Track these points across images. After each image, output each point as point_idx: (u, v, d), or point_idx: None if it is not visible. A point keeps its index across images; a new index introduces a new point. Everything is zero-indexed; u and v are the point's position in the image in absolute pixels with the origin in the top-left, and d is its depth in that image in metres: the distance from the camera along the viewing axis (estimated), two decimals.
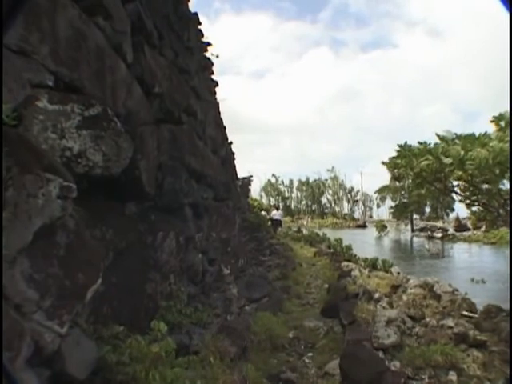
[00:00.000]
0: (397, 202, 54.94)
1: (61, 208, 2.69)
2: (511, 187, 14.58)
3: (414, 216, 58.86)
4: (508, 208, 15.24)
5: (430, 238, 43.01)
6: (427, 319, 7.93)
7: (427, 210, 66.84)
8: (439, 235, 44.48)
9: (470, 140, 16.42)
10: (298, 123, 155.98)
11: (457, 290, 9.88)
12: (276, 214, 28.99)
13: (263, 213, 29.81)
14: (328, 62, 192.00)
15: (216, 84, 14.28)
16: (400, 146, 19.39)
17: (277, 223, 28.13)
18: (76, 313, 2.79)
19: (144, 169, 4.98)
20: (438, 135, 18.08)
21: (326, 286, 11.45)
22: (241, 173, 26.32)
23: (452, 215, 58.48)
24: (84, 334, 3.11)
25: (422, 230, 52.19)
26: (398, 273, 13.37)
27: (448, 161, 16.50)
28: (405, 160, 18.64)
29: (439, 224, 55.99)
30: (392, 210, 62.20)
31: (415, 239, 44.83)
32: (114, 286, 4.09)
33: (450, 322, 7.63)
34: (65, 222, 2.86)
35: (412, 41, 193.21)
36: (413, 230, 53.74)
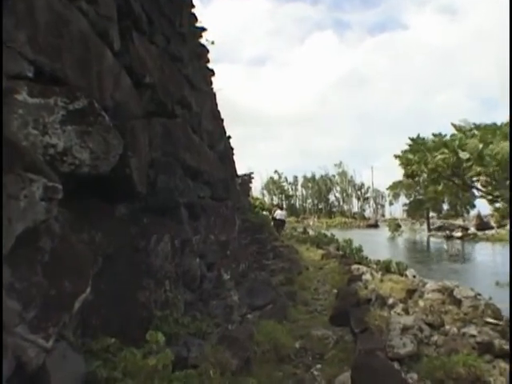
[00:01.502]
0: (411, 199, 55.16)
1: (45, 210, 2.69)
2: (511, 187, 14.54)
3: (431, 214, 58.83)
4: None
5: (449, 237, 43.00)
6: (447, 327, 7.92)
7: (445, 207, 66.78)
8: (459, 234, 44.43)
9: (490, 130, 16.27)
10: (300, 114, 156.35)
11: (479, 295, 9.83)
12: (279, 214, 29.04)
13: (265, 213, 29.79)
14: (332, 46, 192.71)
15: (212, 73, 14.27)
16: (412, 140, 19.29)
17: (280, 224, 28.21)
18: (62, 325, 2.78)
19: (135, 167, 4.96)
20: (453, 125, 18.05)
21: (335, 291, 11.46)
22: (241, 169, 26.29)
23: (473, 212, 58.42)
24: (71, 347, 3.10)
25: (439, 229, 52.18)
26: (414, 276, 13.34)
27: (465, 155, 16.39)
28: (418, 155, 18.55)
29: (458, 222, 55.94)
30: (406, 208, 62.45)
31: (432, 239, 44.74)
32: (104, 295, 4.09)
33: (472, 329, 7.59)
34: (49, 225, 2.86)
35: (422, 21, 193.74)
36: (429, 230, 53.67)
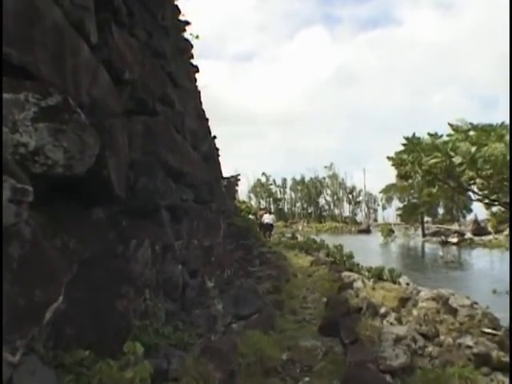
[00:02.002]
0: (405, 203, 55.31)
1: (14, 214, 2.64)
2: (511, 186, 14.61)
3: (426, 218, 59.14)
4: None
5: (444, 243, 43.26)
6: (442, 337, 7.94)
7: (440, 211, 67.22)
8: (454, 240, 44.72)
9: (484, 132, 16.35)
10: (288, 112, 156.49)
11: (476, 303, 9.86)
12: (267, 218, 29.27)
13: (251, 217, 29.87)
14: (322, 43, 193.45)
15: (196, 69, 14.23)
16: (407, 139, 19.34)
17: (268, 228, 28.42)
18: (32, 337, 2.73)
19: (113, 167, 4.91)
20: (450, 125, 18.12)
21: (325, 299, 11.46)
22: (226, 171, 26.30)
23: (469, 217, 58.88)
24: (41, 361, 3.05)
25: (434, 234, 52.47)
26: (408, 284, 13.38)
27: (458, 160, 16.46)
28: (412, 156, 18.59)
29: (454, 227, 56.32)
30: (400, 212, 62.64)
31: (427, 245, 45.04)
32: (79, 304, 4.03)
33: (468, 340, 7.61)
34: (19, 230, 2.80)
35: (417, 17, 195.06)
36: (424, 235, 53.95)
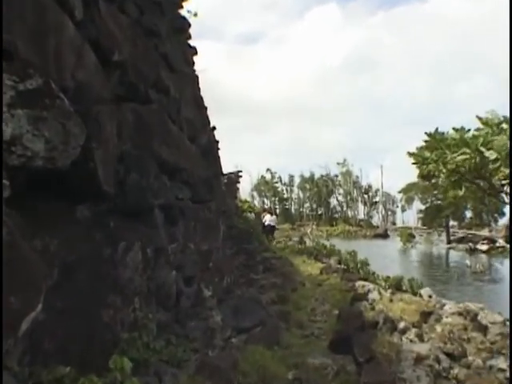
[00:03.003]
0: (427, 205, 55.25)
1: None
2: (511, 187, 14.55)
3: (451, 222, 58.94)
4: None
5: (472, 251, 43.06)
6: (470, 358, 7.88)
7: (468, 214, 66.97)
8: (484, 248, 44.47)
9: None
10: (297, 102, 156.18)
11: (509, 321, 9.79)
12: (269, 220, 29.54)
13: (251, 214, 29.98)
14: (335, 23, 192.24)
15: (194, 51, 14.19)
16: (429, 135, 19.22)
17: (270, 230, 28.69)
18: (5, 351, 2.72)
19: (100, 160, 4.90)
20: (479, 118, 18.00)
21: (336, 312, 11.42)
22: (227, 167, 26.27)
23: (502, 221, 58.43)
24: (15, 379, 3.03)
25: (460, 240, 52.26)
26: (430, 296, 13.34)
27: (492, 155, 16.32)
28: (436, 153, 18.47)
29: (484, 233, 55.91)
30: (421, 215, 62.59)
31: (452, 253, 44.85)
32: (60, 314, 4.02)
33: (500, 362, 7.54)
34: None
35: None
36: (449, 241, 53.76)
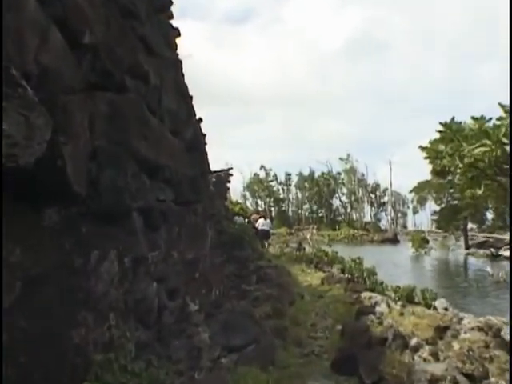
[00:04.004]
0: (442, 205, 55.35)
1: None
2: (511, 187, 14.59)
3: (470, 225, 59.01)
4: None
5: (494, 257, 43.14)
6: (492, 379, 7.88)
7: (489, 216, 67.10)
8: (507, 253, 44.43)
9: None
10: (292, 90, 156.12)
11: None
12: (262, 224, 29.73)
13: (236, 218, 30.02)
14: (335, 1, 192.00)
15: (177, 33, 14.15)
16: (444, 125, 19.22)
17: (264, 235, 28.88)
18: None
19: (70, 157, 4.88)
20: (501, 105, 18.02)
21: (339, 327, 11.44)
22: (215, 164, 26.30)
23: None
24: None
25: (481, 245, 52.35)
26: (446, 309, 13.36)
27: None
28: (451, 146, 18.45)
29: (507, 237, 55.90)
30: (436, 217, 62.75)
31: (471, 259, 44.96)
32: (23, 334, 4.00)
33: None
34: None
35: None
36: (467, 247, 53.92)
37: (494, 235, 58.06)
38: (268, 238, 31.02)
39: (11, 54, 4.20)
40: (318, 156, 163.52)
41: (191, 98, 15.72)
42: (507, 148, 16.25)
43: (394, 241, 69.69)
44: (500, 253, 45.11)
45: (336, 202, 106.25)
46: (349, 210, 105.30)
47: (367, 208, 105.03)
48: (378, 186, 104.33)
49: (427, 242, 53.68)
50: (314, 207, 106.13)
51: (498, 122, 17.56)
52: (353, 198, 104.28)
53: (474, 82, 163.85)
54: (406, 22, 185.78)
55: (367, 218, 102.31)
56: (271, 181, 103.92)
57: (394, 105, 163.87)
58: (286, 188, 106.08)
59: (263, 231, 29.44)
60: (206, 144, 20.04)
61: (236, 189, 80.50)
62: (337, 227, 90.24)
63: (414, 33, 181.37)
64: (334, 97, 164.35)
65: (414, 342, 9.21)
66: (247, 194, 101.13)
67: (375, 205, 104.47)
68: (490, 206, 50.29)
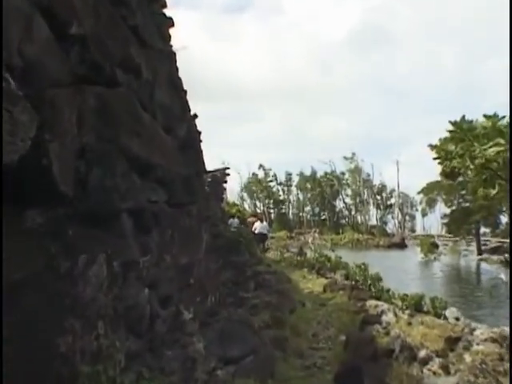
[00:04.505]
0: (453, 208, 55.32)
1: None
2: (511, 188, 14.63)
3: (482, 229, 58.95)
4: None
5: (509, 263, 43.03)
6: None
7: (503, 219, 67.04)
8: None
9: None
10: (293, 85, 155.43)
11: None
12: (259, 227, 29.85)
13: (231, 221, 30.04)
14: None
15: (171, 23, 14.14)
16: (453, 124, 19.23)
17: (261, 239, 28.98)
18: None
19: (56, 156, 4.88)
20: None
21: (343, 337, 11.44)
22: (211, 163, 26.30)
23: None
24: None
25: (494, 251, 52.28)
26: (457, 318, 13.36)
27: None
28: (462, 146, 18.46)
29: None
30: (446, 221, 62.71)
31: (484, 266, 44.91)
32: (5, 344, 3.99)
33: None
34: None
35: None
36: (480, 252, 53.83)
37: (509, 240, 57.95)
38: (265, 241, 31.08)
39: None
40: (321, 155, 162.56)
41: (186, 92, 15.72)
42: None
43: (402, 245, 69.61)
44: None
45: (340, 204, 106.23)
46: (353, 212, 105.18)
47: (373, 210, 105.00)
48: (384, 186, 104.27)
49: (437, 246, 53.63)
50: (316, 209, 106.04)
51: None
52: (357, 200, 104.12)
53: (486, 77, 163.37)
54: (409, 11, 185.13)
55: (373, 222, 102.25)
56: (270, 181, 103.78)
57: (400, 101, 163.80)
58: (286, 189, 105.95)
59: (261, 234, 29.48)
60: (201, 142, 20.02)
61: (233, 189, 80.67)
62: (340, 231, 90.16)
63: (421, 24, 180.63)
64: (337, 91, 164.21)
65: (422, 353, 9.21)
66: (245, 195, 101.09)
67: (381, 207, 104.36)
68: (505, 208, 50.20)
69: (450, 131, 18.83)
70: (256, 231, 29.31)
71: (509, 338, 7.27)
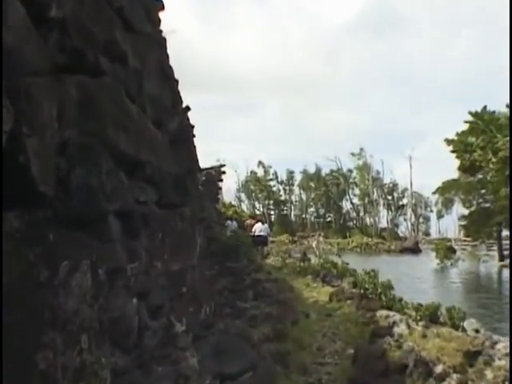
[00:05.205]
0: (472, 209, 55.36)
1: None
2: (511, 188, 14.67)
3: (504, 232, 58.87)
4: None
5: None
6: None
7: None
8: None
9: None
10: (294, 74, 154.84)
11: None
12: (259, 229, 29.81)
13: (228, 223, 30.04)
14: None
15: (161, 5, 14.12)
16: (474, 115, 19.23)
17: (261, 242, 28.97)
18: None
19: (35, 152, 4.86)
20: None
21: (351, 351, 11.44)
22: (205, 160, 26.28)
23: None
24: None
25: None
26: (477, 330, 13.35)
27: None
28: (482, 138, 18.47)
29: None
30: (464, 223, 62.78)
31: (506, 272, 44.86)
32: None
33: None
34: None
35: None
36: (502, 257, 53.81)
37: None
38: (265, 245, 31.01)
39: None
40: (326, 151, 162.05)
41: (177, 82, 15.69)
42: None
43: (415, 250, 69.72)
44: None
45: (346, 205, 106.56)
46: (362, 214, 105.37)
47: (383, 212, 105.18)
48: (395, 185, 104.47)
49: (454, 251, 53.65)
50: (321, 211, 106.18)
51: None
52: (366, 200, 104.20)
53: (505, 62, 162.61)
54: None
55: (383, 224, 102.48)
56: (271, 180, 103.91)
57: (412, 91, 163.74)
58: (287, 188, 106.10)
59: (261, 237, 29.43)
60: (194, 136, 20.02)
61: (230, 189, 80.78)
62: (347, 234, 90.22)
63: (435, 7, 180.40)
64: (344, 82, 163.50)
65: (439, 369, 9.20)
66: (242, 195, 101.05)
67: (392, 208, 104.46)
68: None
69: (470, 122, 18.93)
70: (256, 234, 29.19)
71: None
